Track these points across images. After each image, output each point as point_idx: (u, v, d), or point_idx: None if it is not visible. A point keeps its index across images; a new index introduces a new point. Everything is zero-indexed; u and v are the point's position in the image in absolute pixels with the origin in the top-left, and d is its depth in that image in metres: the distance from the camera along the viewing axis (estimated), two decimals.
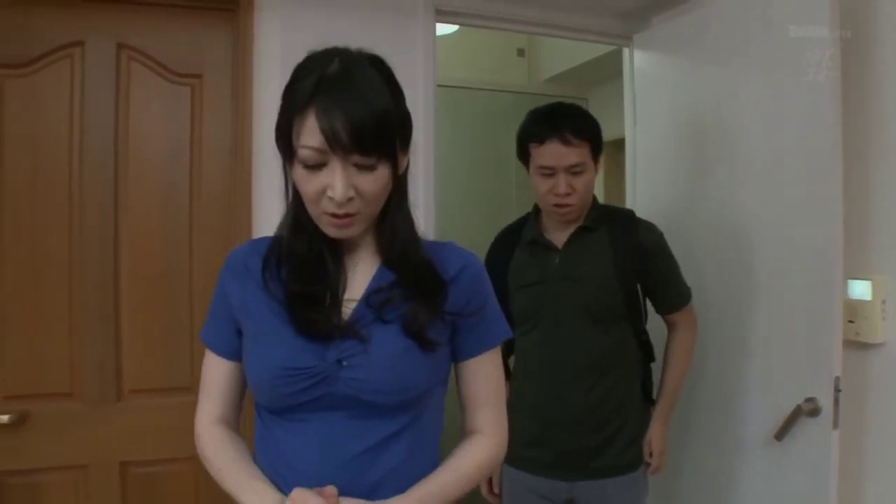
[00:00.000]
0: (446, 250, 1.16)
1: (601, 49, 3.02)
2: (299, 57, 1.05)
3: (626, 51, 2.59)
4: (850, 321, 1.86)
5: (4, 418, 1.89)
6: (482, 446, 1.17)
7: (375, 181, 1.00)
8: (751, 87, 2.03)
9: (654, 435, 1.93)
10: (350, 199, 0.99)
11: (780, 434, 1.87)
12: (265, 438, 1.12)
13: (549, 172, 1.81)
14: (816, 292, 1.83)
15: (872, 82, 1.86)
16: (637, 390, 1.95)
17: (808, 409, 1.82)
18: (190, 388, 2.04)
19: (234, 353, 1.16)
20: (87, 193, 1.99)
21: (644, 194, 2.49)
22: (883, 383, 1.85)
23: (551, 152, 1.79)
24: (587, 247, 1.88)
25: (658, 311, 1.99)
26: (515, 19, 2.39)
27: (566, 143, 1.78)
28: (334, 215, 1.01)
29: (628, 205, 2.55)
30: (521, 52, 3.73)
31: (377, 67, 1.03)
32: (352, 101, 0.96)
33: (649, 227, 1.93)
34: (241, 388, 1.19)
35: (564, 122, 1.80)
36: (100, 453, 1.99)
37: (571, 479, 1.87)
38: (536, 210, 1.99)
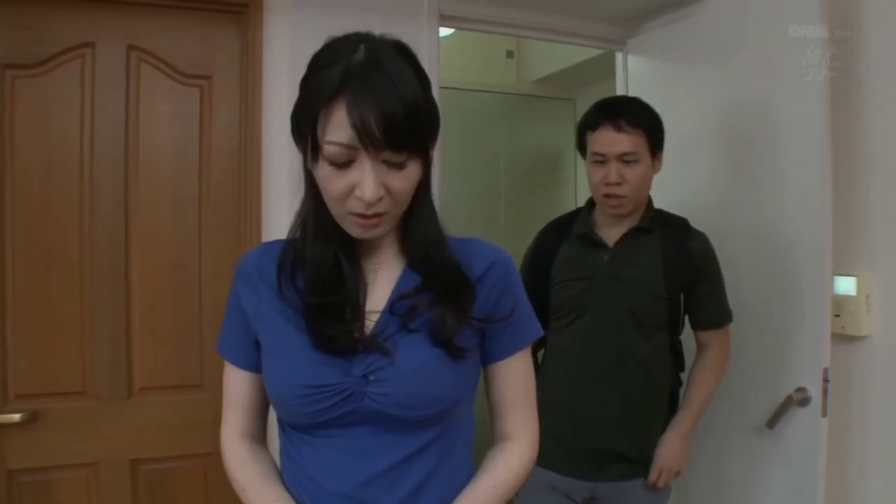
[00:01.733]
0: (472, 246, 1.10)
1: (588, 52, 3.10)
2: (308, 58, 0.96)
3: (619, 55, 2.67)
4: (836, 315, 1.96)
5: (16, 417, 1.90)
6: (516, 453, 1.11)
7: (406, 179, 0.94)
8: (743, 91, 2.13)
9: (664, 447, 1.87)
10: (380, 199, 0.93)
11: (772, 422, 1.96)
12: (289, 453, 1.07)
13: (601, 160, 1.80)
14: (806, 288, 1.93)
15: (860, 89, 1.96)
16: (667, 398, 1.93)
17: (799, 399, 1.91)
18: (200, 385, 2.09)
19: (253, 364, 1.10)
20: (98, 193, 2.00)
21: None
22: (867, 374, 1.96)
23: (603, 139, 1.78)
24: (639, 248, 1.85)
25: (694, 326, 1.94)
26: (513, 23, 2.46)
27: (619, 129, 1.76)
28: (361, 215, 0.94)
29: None
30: (510, 54, 3.80)
31: (404, 55, 0.96)
32: (383, 92, 0.88)
33: (702, 238, 1.89)
34: (266, 399, 1.11)
35: (619, 109, 1.79)
36: (111, 451, 2.01)
37: (596, 480, 1.85)
38: (590, 205, 1.96)
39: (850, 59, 1.96)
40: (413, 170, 0.94)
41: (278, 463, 1.12)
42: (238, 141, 2.11)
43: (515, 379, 1.12)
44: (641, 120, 1.79)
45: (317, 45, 1.07)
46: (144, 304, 2.04)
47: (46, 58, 1.95)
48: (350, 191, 0.92)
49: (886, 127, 1.91)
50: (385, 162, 0.91)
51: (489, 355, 1.10)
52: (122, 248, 2.02)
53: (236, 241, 2.10)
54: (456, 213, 3.32)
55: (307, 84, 0.96)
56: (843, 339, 1.98)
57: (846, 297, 1.97)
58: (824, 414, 1.88)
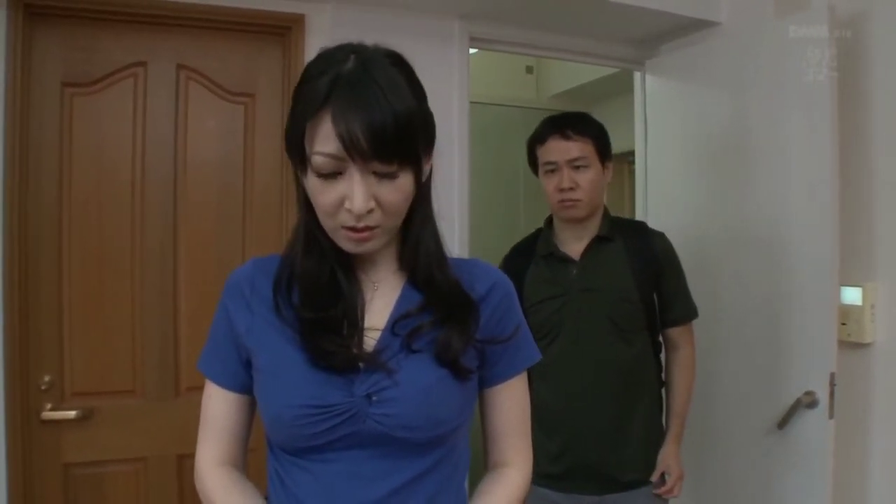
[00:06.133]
0: (473, 268, 1.07)
1: (605, 69, 3.21)
2: None
3: (637, 74, 2.80)
4: (843, 323, 2.06)
5: (72, 414, 2.03)
6: (512, 482, 1.07)
7: (397, 191, 0.90)
8: (754, 109, 2.25)
9: (671, 458, 1.91)
10: (370, 211, 0.89)
11: (782, 424, 2.07)
12: (281, 479, 0.99)
13: (553, 168, 1.87)
14: (814, 298, 2.04)
15: (865, 104, 2.07)
16: (657, 401, 1.96)
17: (807, 402, 2.02)
18: None
19: (240, 385, 1.03)
20: (149, 203, 2.13)
21: (655, 207, 2.68)
22: (871, 378, 2.07)
23: (552, 148, 1.87)
24: (604, 257, 1.89)
25: (664, 324, 1.97)
26: (537, 45, 2.59)
27: (566, 137, 1.84)
28: (353, 229, 0.91)
29: (639, 217, 2.73)
30: (529, 70, 3.92)
31: (397, 65, 0.92)
32: (371, 102, 0.85)
33: (662, 237, 1.95)
34: (249, 423, 1.07)
35: (565, 121, 1.88)
36: (159, 446, 2.13)
37: (601, 493, 1.85)
38: (549, 223, 2.01)
39: (855, 71, 2.06)
40: (405, 181, 0.91)
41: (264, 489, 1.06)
42: (280, 156, 2.23)
43: (514, 404, 1.09)
44: (587, 129, 1.87)
45: None
46: (191, 310, 2.17)
47: (102, 76, 2.08)
48: (340, 203, 0.89)
49: (891, 143, 2.02)
50: (375, 173, 0.88)
51: (487, 379, 1.07)
52: (171, 257, 2.15)
53: (278, 250, 2.19)
54: (476, 225, 3.45)
55: (297, 94, 0.92)
56: (849, 345, 2.08)
57: (852, 307, 2.07)
58: (831, 416, 1.98)
